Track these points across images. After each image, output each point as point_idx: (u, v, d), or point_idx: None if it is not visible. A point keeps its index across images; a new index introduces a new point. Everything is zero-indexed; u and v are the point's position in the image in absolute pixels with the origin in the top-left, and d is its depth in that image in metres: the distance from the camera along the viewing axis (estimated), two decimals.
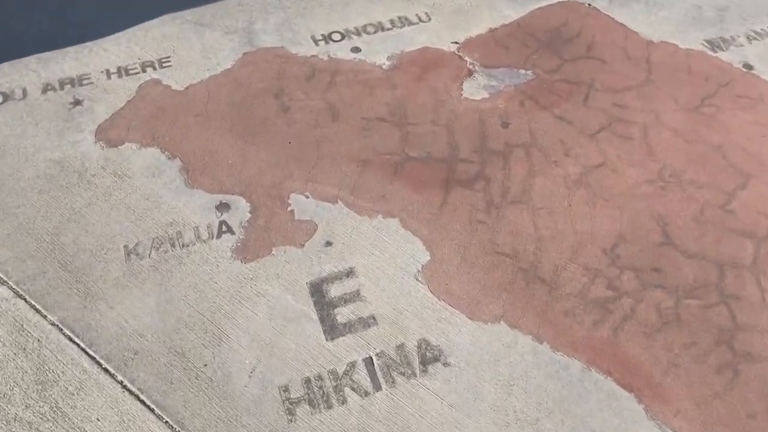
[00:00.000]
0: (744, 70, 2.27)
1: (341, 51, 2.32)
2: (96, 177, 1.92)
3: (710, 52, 2.33)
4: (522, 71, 2.25)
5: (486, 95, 2.17)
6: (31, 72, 2.22)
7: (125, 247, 1.76)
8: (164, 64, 2.26)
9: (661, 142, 2.04)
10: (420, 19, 2.44)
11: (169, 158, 1.97)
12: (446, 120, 2.10)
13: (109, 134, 2.03)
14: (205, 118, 2.09)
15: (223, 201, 1.87)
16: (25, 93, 2.15)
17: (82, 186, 1.90)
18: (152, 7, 2.48)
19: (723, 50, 2.34)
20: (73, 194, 1.87)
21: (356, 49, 2.32)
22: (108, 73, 2.22)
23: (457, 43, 2.35)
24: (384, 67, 2.26)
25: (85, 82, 2.19)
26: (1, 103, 2.11)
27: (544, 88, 2.20)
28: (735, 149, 2.03)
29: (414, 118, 2.10)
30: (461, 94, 2.18)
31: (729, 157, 2.01)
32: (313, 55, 2.30)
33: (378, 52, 2.31)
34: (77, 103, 2.12)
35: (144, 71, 2.23)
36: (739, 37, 2.39)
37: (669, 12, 2.50)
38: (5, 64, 2.24)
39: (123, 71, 2.23)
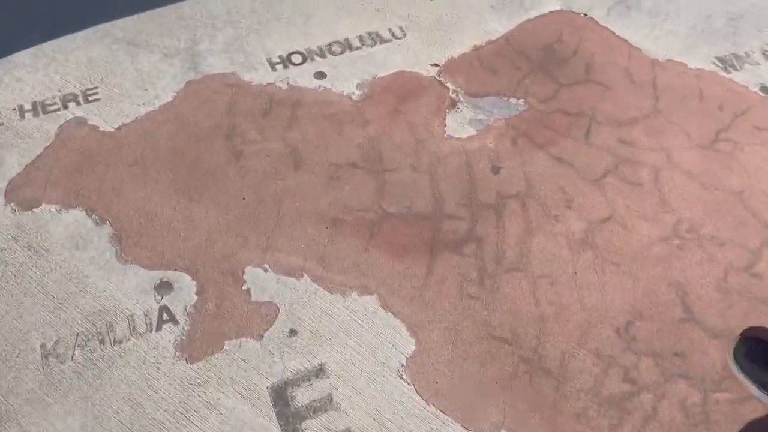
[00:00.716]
0: (762, 94, 2.03)
1: (303, 77, 1.99)
2: (5, 252, 1.59)
3: (723, 73, 2.08)
4: (513, 100, 1.96)
5: (473, 132, 1.89)
6: None
7: (42, 347, 1.45)
8: (90, 98, 1.91)
9: (675, 188, 1.79)
10: (393, 35, 2.12)
11: (97, 224, 1.65)
12: (428, 164, 1.81)
13: (22, 193, 1.69)
14: (142, 169, 1.76)
15: (165, 279, 1.56)
16: None
17: None
18: (73, 17, 2.11)
19: (737, 70, 2.09)
20: None
21: (320, 75, 2.00)
22: (21, 111, 1.86)
23: (437, 65, 2.04)
24: (354, 97, 1.95)
25: None
26: None
27: (539, 121, 1.92)
28: (757, 195, 1.80)
29: (391, 162, 1.81)
30: (444, 131, 1.89)
31: (751, 206, 1.78)
32: (270, 83, 1.98)
33: (346, 78, 1.99)
34: None
35: (65, 107, 1.88)
36: (754, 53, 2.14)
37: (675, 23, 2.23)
38: None
39: (40, 107, 1.88)
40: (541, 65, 2.06)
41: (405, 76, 2.02)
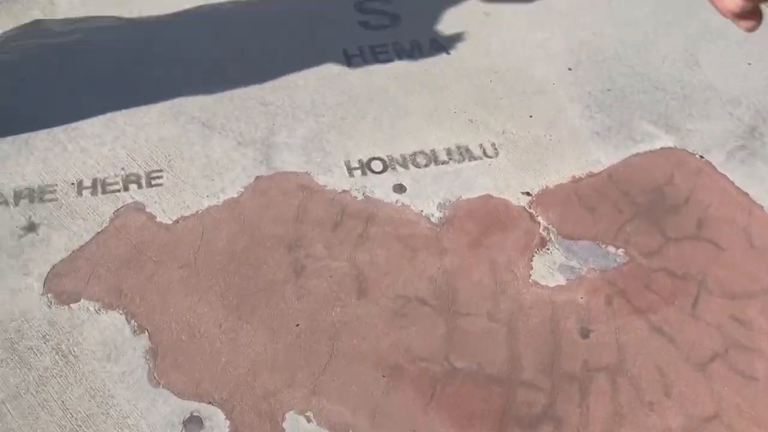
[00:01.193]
0: None
1: (381, 188, 1.84)
2: (32, 352, 1.46)
3: None
4: (611, 249, 1.75)
5: (562, 281, 1.68)
6: None
7: None
8: (153, 181, 1.80)
9: None
10: (485, 152, 1.95)
11: (134, 332, 1.50)
12: (508, 314, 1.61)
13: (63, 283, 1.57)
14: (193, 273, 1.62)
15: (196, 414, 1.40)
16: None
17: (11, 365, 1.44)
18: (155, 86, 2.03)
19: None
20: None
21: (400, 188, 1.84)
22: (79, 187, 1.77)
23: (529, 194, 1.86)
24: (433, 219, 1.78)
25: (47, 196, 1.74)
26: None
27: (640, 279, 1.70)
28: None
29: (465, 304, 1.62)
30: (530, 275, 1.69)
31: None
32: (344, 191, 1.83)
33: (428, 196, 1.83)
34: (31, 228, 1.66)
35: (126, 188, 1.78)
36: None
37: None
38: None
39: (99, 185, 1.77)
40: (646, 211, 1.85)
41: (492, 203, 1.84)
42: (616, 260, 1.74)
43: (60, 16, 2.28)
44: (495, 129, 2.02)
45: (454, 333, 1.57)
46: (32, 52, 2.12)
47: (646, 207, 1.86)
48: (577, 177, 1.92)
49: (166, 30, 2.25)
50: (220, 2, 2.37)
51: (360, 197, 1.82)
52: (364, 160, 1.91)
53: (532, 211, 1.83)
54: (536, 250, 1.75)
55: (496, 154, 1.95)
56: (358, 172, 1.88)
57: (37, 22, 2.24)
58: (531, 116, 2.06)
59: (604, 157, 1.98)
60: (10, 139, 1.86)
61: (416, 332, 1.57)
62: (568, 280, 1.69)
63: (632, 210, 1.85)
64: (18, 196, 1.73)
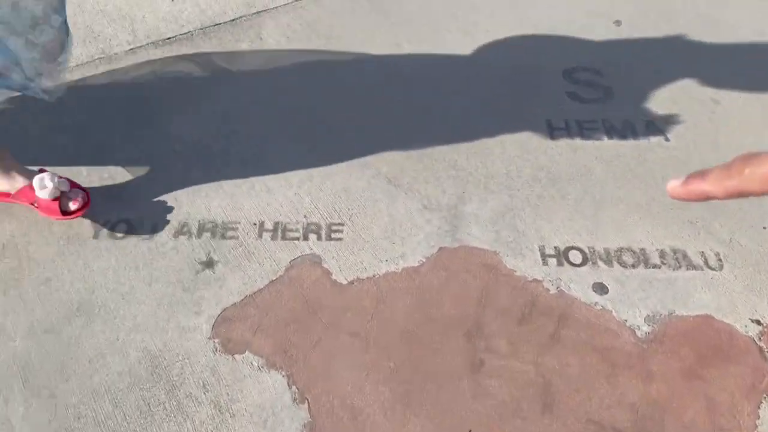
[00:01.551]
0: None
1: (579, 284, 1.62)
2: (189, 401, 1.38)
3: None
4: None
5: None
6: (172, 200, 1.77)
7: None
8: (333, 235, 1.71)
9: None
10: (706, 261, 1.68)
11: (294, 400, 1.39)
12: None
13: (231, 331, 1.50)
14: (363, 345, 1.49)
15: None
16: (154, 230, 1.70)
17: (168, 410, 1.37)
18: (347, 134, 1.98)
19: None
20: (152, 421, 1.35)
21: (601, 288, 1.62)
22: (261, 228, 1.72)
23: (759, 323, 1.56)
24: (639, 333, 1.53)
25: (229, 234, 1.70)
26: (122, 237, 1.68)
27: None
28: None
29: None
30: (756, 426, 1.38)
31: None
32: (536, 280, 1.63)
33: (633, 304, 1.58)
34: (209, 264, 1.63)
35: (306, 238, 1.70)
36: None
37: None
38: (146, 181, 1.82)
39: (280, 230, 1.72)
40: None
41: (713, 326, 1.55)
42: None
43: (265, 47, 2.32)
44: (720, 236, 1.74)
45: None
46: (233, 84, 2.16)
47: None
48: None
49: (359, 77, 2.21)
50: (420, 54, 2.30)
51: (553, 291, 1.62)
52: (561, 248, 1.71)
53: (762, 344, 1.52)
54: (765, 395, 1.44)
55: (721, 266, 1.67)
56: (553, 261, 1.68)
57: (241, 55, 2.29)
58: (765, 227, 1.76)
59: None
60: (203, 169, 1.86)
61: None
62: None
63: None
64: (202, 228, 1.71)
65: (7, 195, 1.67)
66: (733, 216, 1.78)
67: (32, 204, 1.66)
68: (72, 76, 2.13)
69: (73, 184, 1.69)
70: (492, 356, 1.49)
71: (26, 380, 1.40)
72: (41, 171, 1.68)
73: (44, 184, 1.62)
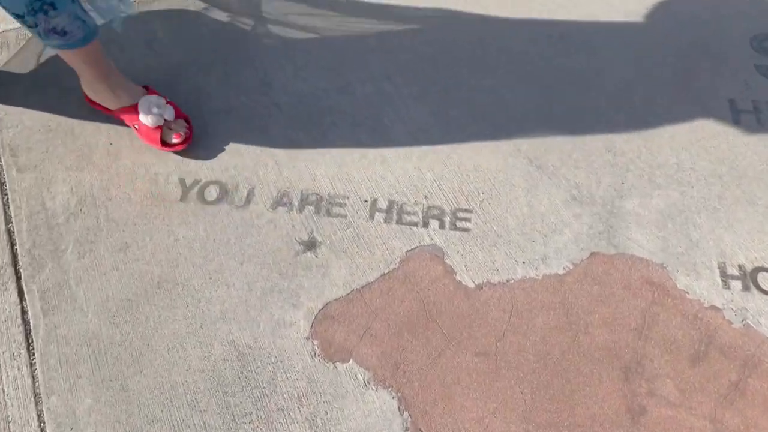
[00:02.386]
0: None
1: None
2: (282, 415, 1.17)
3: None
4: None
5: None
6: (272, 162, 1.54)
7: None
8: (459, 223, 1.44)
9: None
10: None
11: (406, 429, 1.15)
12: None
13: (332, 332, 1.27)
14: (493, 369, 1.23)
15: None
16: (250, 197, 1.47)
17: (255, 423, 1.17)
18: (480, 99, 1.68)
19: None
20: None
21: None
22: (373, 207, 1.46)
23: None
24: None
25: (335, 209, 1.46)
26: (214, 202, 1.46)
27: None
28: None
29: None
30: None
31: None
32: (714, 307, 1.31)
33: None
34: (311, 246, 1.39)
35: (426, 225, 1.44)
36: None
37: None
38: (244, 137, 1.59)
39: (396, 212, 1.46)
40: None
41: None
42: None
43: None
44: None
45: None
46: (345, 28, 1.88)
47: None
48: None
49: (497, 34, 1.88)
50: (574, 11, 1.94)
51: (737, 324, 1.29)
52: (748, 268, 1.37)
53: None
54: None
55: None
56: (737, 284, 1.35)
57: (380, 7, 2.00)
58: None
59: None
60: (307, 127, 1.61)
61: None
62: None
63: None
64: (304, 200, 1.47)
65: (108, 110, 1.56)
66: None
67: (133, 125, 1.55)
68: (165, 4, 1.90)
69: (179, 113, 1.57)
70: (656, 403, 1.20)
71: (96, 366, 1.23)
72: (149, 91, 1.56)
73: (150, 110, 1.50)
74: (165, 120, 1.52)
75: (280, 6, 1.91)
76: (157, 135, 1.51)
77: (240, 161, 1.54)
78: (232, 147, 1.57)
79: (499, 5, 1.92)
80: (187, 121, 1.57)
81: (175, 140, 1.53)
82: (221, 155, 1.55)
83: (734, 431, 1.17)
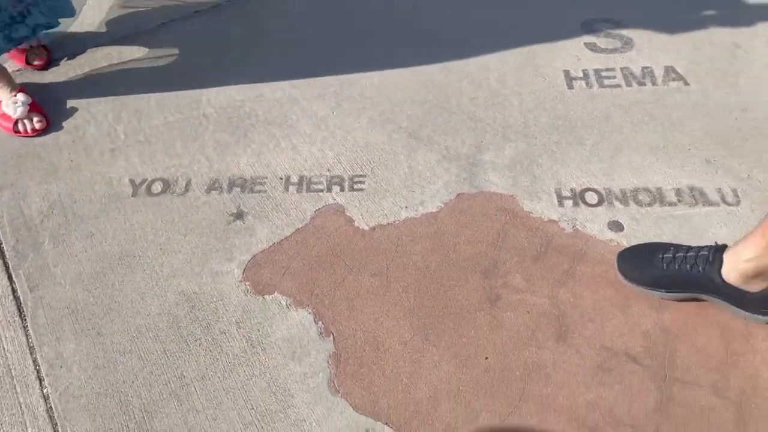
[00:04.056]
0: None
1: (594, 223, 1.67)
2: (225, 336, 1.50)
3: None
4: None
5: None
6: (203, 158, 1.89)
7: None
8: (356, 185, 1.80)
9: None
10: (723, 198, 1.70)
11: (320, 334, 1.49)
12: (738, 392, 1.36)
13: (260, 274, 1.61)
14: (384, 284, 1.58)
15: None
16: (187, 187, 1.82)
17: (204, 345, 1.49)
18: (369, 91, 2.06)
19: None
20: (190, 354, 1.47)
21: (616, 226, 1.66)
22: (287, 182, 1.82)
23: None
24: None
25: (257, 188, 1.81)
26: (159, 194, 1.80)
27: None
28: None
29: (685, 371, 1.40)
30: None
31: None
32: (552, 221, 1.69)
33: (648, 240, 1.63)
34: (239, 216, 1.74)
35: (329, 189, 1.80)
36: None
37: None
38: (180, 143, 1.94)
39: (305, 183, 1.81)
40: None
41: None
42: None
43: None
44: (738, 173, 1.76)
45: (669, 404, 1.36)
46: (259, 47, 2.27)
47: None
48: None
49: (382, 34, 2.28)
50: (439, 9, 2.36)
51: (569, 230, 1.67)
52: (578, 189, 1.76)
53: None
54: None
55: (738, 202, 1.69)
56: (569, 202, 1.73)
57: (264, 18, 2.39)
58: None
59: None
60: (231, 129, 1.97)
61: (621, 392, 1.38)
62: None
63: None
64: (232, 184, 1.82)
65: None
66: (751, 154, 1.80)
67: None
68: (104, 51, 2.27)
69: (34, 108, 2.01)
70: (508, 291, 1.56)
71: (76, 321, 1.54)
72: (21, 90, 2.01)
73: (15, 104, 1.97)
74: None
75: (199, 34, 2.29)
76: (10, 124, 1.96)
77: (178, 161, 1.89)
78: (171, 151, 1.92)
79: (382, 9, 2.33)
80: (43, 115, 2.00)
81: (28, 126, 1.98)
82: (163, 158, 1.90)
83: (565, 302, 1.53)
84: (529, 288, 1.56)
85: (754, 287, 1.34)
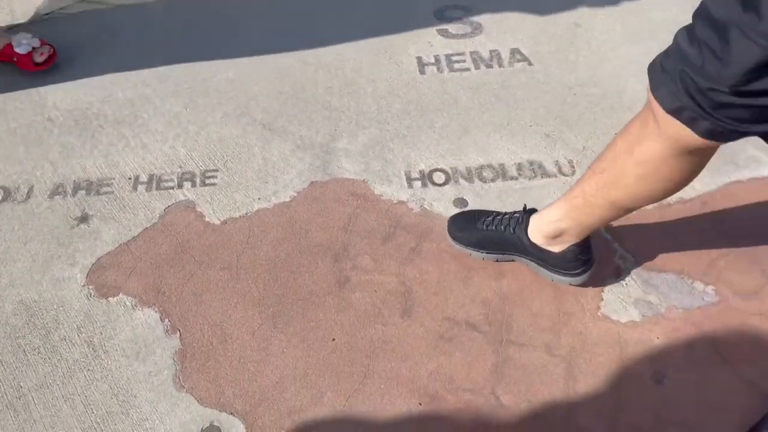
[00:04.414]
0: None
1: (441, 201, 1.73)
2: (65, 342, 1.45)
3: None
4: (699, 286, 1.54)
5: (636, 317, 1.49)
6: (47, 164, 1.83)
7: None
8: (208, 181, 1.79)
9: None
10: (560, 169, 1.80)
11: (166, 332, 1.47)
12: (568, 349, 1.44)
13: (104, 277, 1.57)
14: (233, 276, 1.58)
15: (215, 423, 1.33)
16: (29, 193, 1.75)
17: (43, 353, 1.44)
18: (224, 86, 2.04)
19: None
20: (27, 364, 1.42)
21: (461, 203, 1.73)
22: (135, 182, 1.78)
23: None
24: None
25: (104, 189, 1.76)
26: None
27: (732, 324, 1.48)
28: None
29: (521, 334, 1.47)
30: (599, 308, 1.51)
31: None
32: (401, 202, 1.73)
33: None
34: (83, 219, 1.69)
35: (180, 186, 1.77)
36: None
37: None
38: (23, 149, 1.86)
39: (155, 182, 1.78)
40: (745, 245, 1.62)
41: None
42: (703, 299, 1.52)
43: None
44: (574, 145, 1.86)
45: (504, 365, 1.42)
46: (107, 46, 2.20)
47: (746, 241, 1.63)
48: (664, 203, 1.72)
49: (238, 30, 2.27)
50: (293, 7, 2.37)
51: (417, 210, 1.72)
52: (426, 170, 1.81)
53: (607, 236, 1.65)
54: (609, 280, 1.56)
55: (573, 172, 1.79)
56: (417, 183, 1.78)
57: (111, 13, 2.33)
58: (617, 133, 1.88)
59: (698, 183, 1.75)
60: (78, 132, 1.91)
61: (461, 359, 1.43)
62: (643, 316, 1.49)
63: (728, 243, 1.62)
64: (77, 187, 1.76)
65: None
66: (587, 126, 1.91)
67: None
68: None
69: (43, 42, 2.11)
70: (356, 273, 1.59)
71: None
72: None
73: (20, 42, 2.07)
74: (33, 47, 2.08)
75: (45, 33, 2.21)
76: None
77: (20, 168, 1.81)
78: (13, 158, 1.84)
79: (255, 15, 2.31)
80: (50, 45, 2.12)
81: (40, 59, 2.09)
82: (4, 166, 1.82)
83: (412, 279, 1.57)
84: (377, 268, 1.60)
85: (555, 247, 1.43)
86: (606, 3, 2.32)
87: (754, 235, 1.64)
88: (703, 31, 0.93)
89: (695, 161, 1.13)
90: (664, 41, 1.05)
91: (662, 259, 1.60)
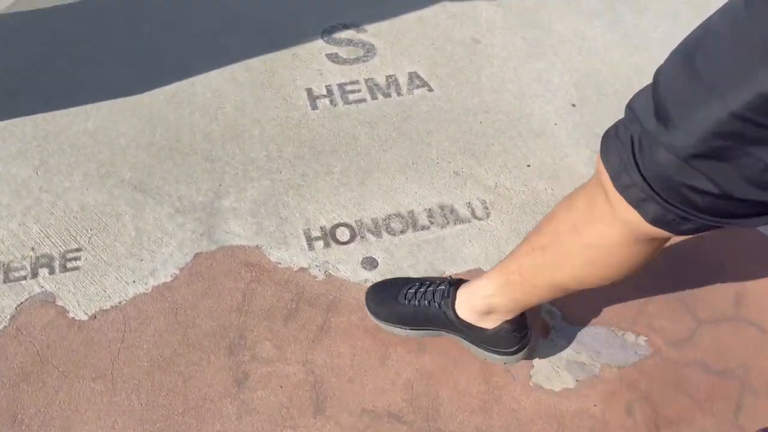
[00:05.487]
0: None
1: (347, 263, 1.53)
2: None
3: None
4: (630, 337, 1.44)
5: (570, 383, 1.36)
6: None
7: None
8: (69, 265, 1.50)
9: None
10: (473, 212, 1.64)
11: None
12: (503, 430, 1.29)
13: None
14: (109, 388, 1.31)
15: None
16: None
17: None
18: (82, 140, 1.73)
19: None
20: None
21: (370, 263, 1.53)
22: None
23: None
24: None
25: None
26: None
27: (667, 378, 1.38)
28: None
29: (449, 420, 1.30)
30: (530, 376, 1.37)
31: None
32: (302, 269, 1.52)
33: (404, 273, 1.52)
34: None
35: (35, 275, 1.47)
36: None
37: None
38: None
39: (1, 272, 1.47)
40: (672, 284, 1.53)
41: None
42: (636, 352, 1.42)
43: None
44: (485, 182, 1.70)
45: None
46: None
47: (672, 279, 1.54)
48: None
49: (96, 67, 1.95)
50: (167, 39, 2.07)
51: (321, 277, 1.51)
52: (328, 227, 1.60)
53: None
54: (538, 341, 1.43)
55: (487, 214, 1.64)
56: (319, 244, 1.57)
57: None
58: (528, 165, 1.75)
59: None
60: None
61: None
62: (578, 381, 1.37)
63: (655, 284, 1.53)
64: None
65: None
66: (497, 159, 1.76)
67: None
68: None
69: None
70: (257, 365, 1.36)
71: None
72: None
73: None
74: None
75: None
76: None
77: None
78: None
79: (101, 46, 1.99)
80: None
81: None
82: None
83: (322, 366, 1.37)
84: (280, 356, 1.38)
85: (487, 324, 1.26)
86: (504, 15, 2.18)
87: (681, 273, 1.55)
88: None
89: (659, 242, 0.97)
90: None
91: (590, 310, 1.48)
